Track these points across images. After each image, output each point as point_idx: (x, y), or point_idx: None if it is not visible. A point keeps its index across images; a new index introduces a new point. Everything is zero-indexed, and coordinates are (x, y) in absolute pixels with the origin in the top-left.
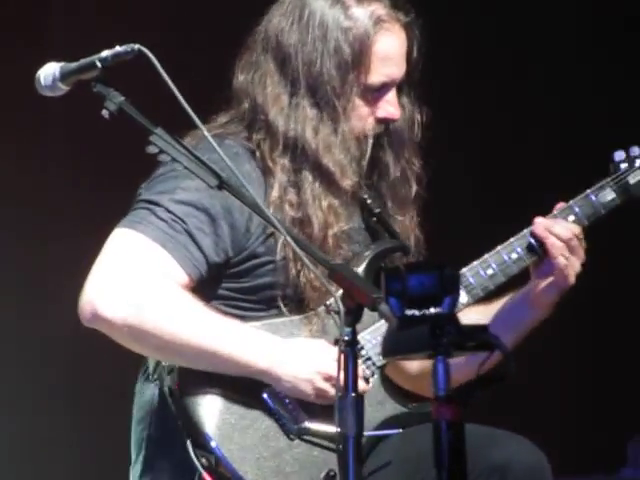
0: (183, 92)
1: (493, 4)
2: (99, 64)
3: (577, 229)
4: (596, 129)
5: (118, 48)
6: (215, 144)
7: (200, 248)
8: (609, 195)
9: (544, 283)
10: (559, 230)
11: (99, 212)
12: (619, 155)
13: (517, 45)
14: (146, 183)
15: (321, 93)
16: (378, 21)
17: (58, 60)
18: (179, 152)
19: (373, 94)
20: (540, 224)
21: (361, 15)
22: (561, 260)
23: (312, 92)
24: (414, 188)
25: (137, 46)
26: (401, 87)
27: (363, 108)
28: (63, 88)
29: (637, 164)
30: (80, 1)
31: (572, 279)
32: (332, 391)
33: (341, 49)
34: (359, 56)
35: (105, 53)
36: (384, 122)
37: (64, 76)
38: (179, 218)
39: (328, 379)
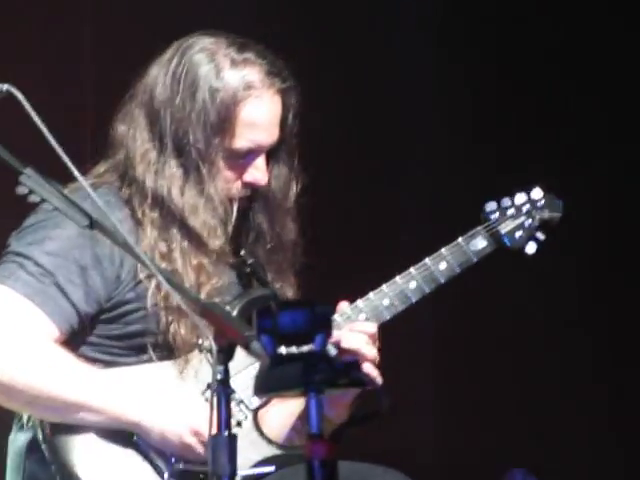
0: (58, 134)
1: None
2: None
3: (371, 329)
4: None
5: None
6: (87, 187)
7: (70, 301)
8: (481, 243)
9: None
10: (348, 341)
11: None
12: (490, 205)
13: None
14: (16, 232)
15: (187, 154)
16: (248, 86)
17: None
18: (50, 193)
19: (239, 159)
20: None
21: (232, 78)
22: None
23: (178, 152)
24: (288, 255)
25: (6, 86)
26: (274, 153)
27: (229, 172)
28: None
29: (508, 214)
30: None
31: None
32: (199, 447)
33: (207, 111)
34: (224, 120)
35: None
36: (250, 187)
37: None
38: (48, 271)
39: (196, 434)
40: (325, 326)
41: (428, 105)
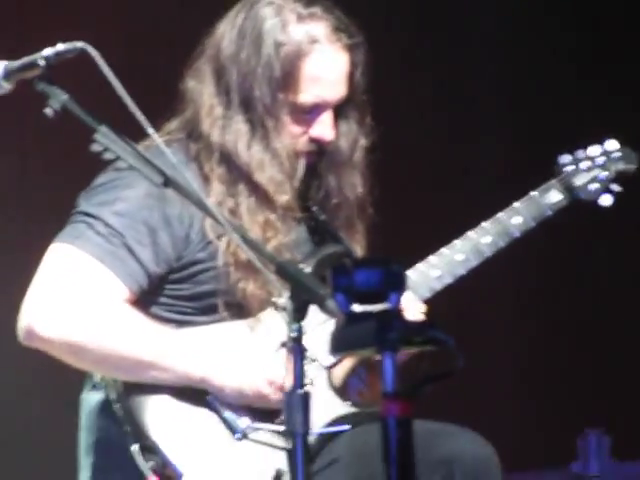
0: (135, 94)
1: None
2: (42, 62)
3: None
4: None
5: (61, 46)
6: (162, 145)
7: (140, 261)
8: (555, 196)
9: None
10: None
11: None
12: (564, 158)
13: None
14: (85, 192)
15: (252, 108)
16: (312, 40)
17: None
18: (124, 150)
19: (305, 114)
20: None
21: (297, 32)
22: None
23: (244, 107)
24: (356, 212)
25: (80, 44)
26: (344, 111)
27: (295, 127)
28: (6, 87)
29: (582, 166)
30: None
31: None
32: (277, 396)
33: (272, 65)
34: (288, 74)
35: (48, 51)
36: (317, 142)
37: (7, 75)
38: (117, 232)
39: (272, 384)
40: (400, 284)
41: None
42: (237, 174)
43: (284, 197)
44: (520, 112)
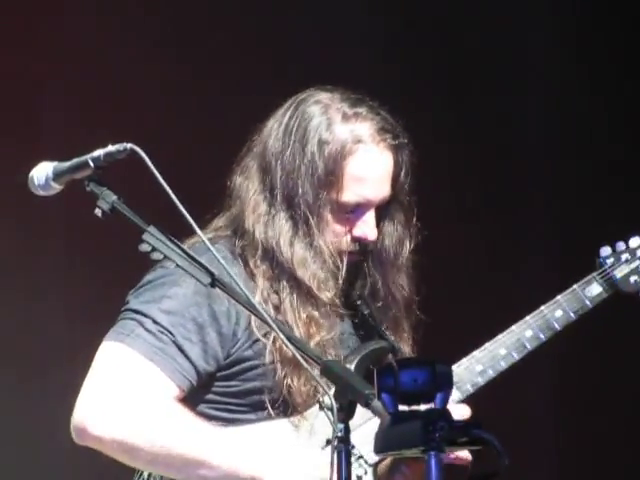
0: (179, 191)
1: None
2: (91, 163)
3: (466, 412)
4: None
5: (110, 147)
6: (208, 243)
7: (189, 358)
8: (596, 289)
9: None
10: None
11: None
12: (605, 250)
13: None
14: (134, 290)
15: (296, 206)
16: (357, 140)
17: (51, 157)
18: (172, 250)
19: (348, 213)
20: None
21: (342, 132)
22: None
23: (288, 204)
24: (403, 311)
25: (129, 145)
26: (388, 211)
27: (337, 226)
28: (56, 188)
29: (623, 259)
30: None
31: None
32: None
33: (315, 164)
34: (331, 173)
35: (97, 152)
36: (359, 241)
37: (57, 176)
38: (166, 329)
39: None
40: (446, 385)
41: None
42: (280, 271)
43: (327, 294)
44: (567, 203)
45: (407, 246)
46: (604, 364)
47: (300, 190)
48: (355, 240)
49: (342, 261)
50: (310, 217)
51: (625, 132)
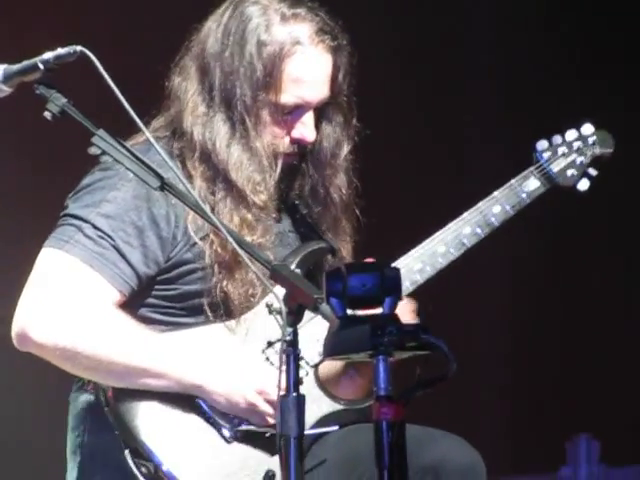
0: (125, 94)
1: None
2: (41, 66)
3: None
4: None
5: (60, 50)
6: (158, 147)
7: (129, 263)
8: (533, 184)
9: None
10: None
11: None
12: (541, 144)
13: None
14: (73, 193)
15: (234, 108)
16: (295, 42)
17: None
18: (121, 154)
19: (287, 115)
20: None
21: (280, 33)
22: None
23: (226, 105)
24: (341, 212)
25: (79, 48)
26: (327, 112)
27: (275, 127)
28: (6, 90)
29: (559, 152)
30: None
31: None
32: (264, 406)
33: (254, 65)
34: (270, 75)
35: (47, 55)
36: (298, 143)
37: (7, 78)
38: (106, 234)
39: (260, 393)
40: (395, 289)
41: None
42: (215, 172)
43: (261, 197)
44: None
45: (345, 147)
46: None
47: (238, 91)
48: (293, 142)
49: (277, 163)
50: (248, 119)
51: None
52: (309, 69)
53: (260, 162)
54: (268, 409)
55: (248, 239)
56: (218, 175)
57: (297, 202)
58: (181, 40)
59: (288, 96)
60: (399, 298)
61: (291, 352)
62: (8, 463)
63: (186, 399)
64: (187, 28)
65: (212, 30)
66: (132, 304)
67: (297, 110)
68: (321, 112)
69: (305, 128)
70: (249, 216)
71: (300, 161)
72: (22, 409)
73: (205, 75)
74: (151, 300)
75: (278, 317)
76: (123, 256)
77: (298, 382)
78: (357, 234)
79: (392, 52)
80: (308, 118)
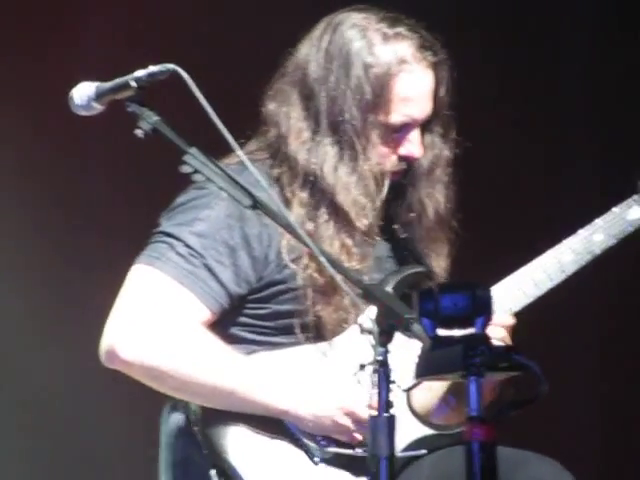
0: (218, 114)
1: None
2: (133, 84)
3: (509, 321)
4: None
5: (152, 68)
6: (249, 164)
7: (220, 281)
8: (636, 213)
9: None
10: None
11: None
12: None
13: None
14: (166, 212)
15: (342, 131)
16: (401, 61)
17: (90, 78)
18: (213, 172)
19: (394, 133)
20: None
21: (385, 54)
22: None
23: (333, 129)
24: (443, 228)
25: (172, 66)
26: (428, 126)
27: (383, 147)
28: (97, 107)
29: None
30: (115, 19)
31: None
32: (353, 428)
33: (362, 88)
34: (379, 96)
35: (139, 72)
36: (405, 160)
37: (99, 96)
38: (197, 252)
39: (349, 414)
40: (486, 309)
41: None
42: (320, 197)
43: (365, 221)
44: (610, 128)
45: (444, 159)
46: None
47: (347, 115)
48: (401, 159)
49: (384, 184)
50: (356, 141)
51: None
52: (416, 87)
53: (367, 185)
54: (356, 431)
55: (348, 264)
56: (322, 200)
57: (395, 225)
58: (271, 63)
59: (397, 115)
60: (490, 318)
61: (382, 372)
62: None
63: (275, 421)
64: (279, 51)
65: (312, 55)
66: (223, 323)
67: (404, 128)
68: (423, 127)
69: (412, 145)
70: (349, 241)
71: (400, 180)
72: (114, 426)
73: (309, 100)
74: (242, 319)
75: (370, 337)
76: (214, 275)
77: (389, 402)
78: (454, 250)
79: (489, 67)
80: (415, 135)
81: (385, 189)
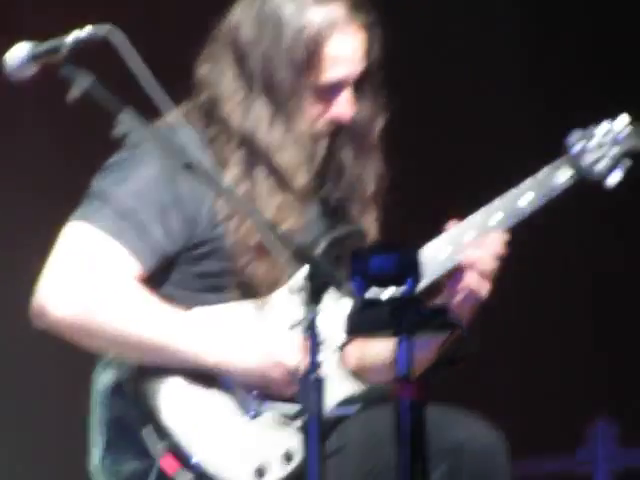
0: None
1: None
2: (67, 45)
3: (500, 239)
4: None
5: (88, 29)
6: (184, 125)
7: (152, 238)
8: (564, 174)
9: (456, 298)
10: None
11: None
12: (575, 135)
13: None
14: (99, 172)
15: (275, 92)
16: (333, 22)
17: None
18: (147, 132)
19: (326, 94)
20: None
21: (316, 15)
22: (473, 283)
23: (267, 90)
24: (372, 188)
25: (107, 27)
26: (360, 87)
27: (316, 107)
28: (32, 69)
29: (592, 143)
30: None
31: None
32: (284, 380)
33: (294, 49)
34: (311, 57)
35: (74, 34)
36: (337, 121)
37: (32, 58)
38: (130, 210)
39: (278, 365)
40: (414, 270)
41: None
42: (255, 157)
43: (301, 180)
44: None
45: (378, 122)
46: None
47: (280, 76)
48: (332, 120)
49: (320, 143)
50: (290, 101)
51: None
52: (347, 47)
53: (303, 145)
54: (286, 383)
55: (284, 224)
56: (258, 160)
57: (326, 186)
58: (202, 28)
59: (328, 75)
60: (419, 279)
61: (312, 332)
62: (33, 439)
63: (209, 376)
64: (210, 16)
65: (244, 18)
66: (155, 281)
67: (335, 89)
68: (355, 90)
69: (343, 105)
70: (288, 200)
71: (331, 141)
72: (47, 387)
73: (242, 62)
74: (173, 277)
75: (301, 295)
76: (147, 231)
77: (318, 363)
78: (386, 212)
79: (414, 34)
80: (346, 95)
81: (321, 149)
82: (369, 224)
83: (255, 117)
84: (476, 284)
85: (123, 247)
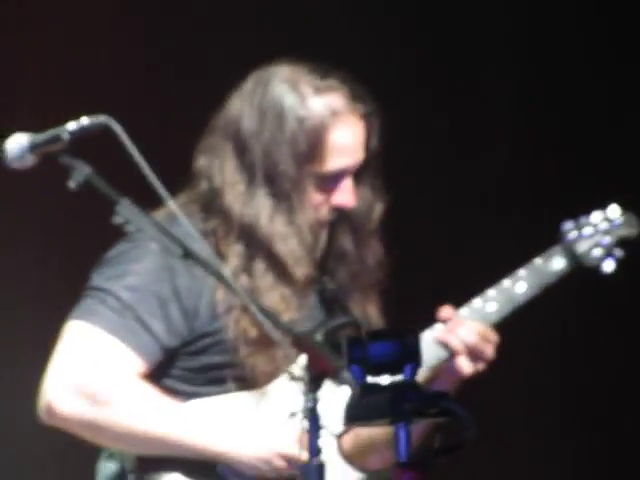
0: (151, 166)
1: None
2: (66, 136)
3: (482, 328)
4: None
5: (85, 120)
6: (182, 216)
7: (152, 333)
8: (558, 263)
9: (446, 377)
10: (463, 333)
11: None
12: (568, 224)
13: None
14: (96, 267)
15: (277, 182)
16: (334, 112)
17: (26, 129)
18: (144, 223)
19: (328, 183)
20: (444, 329)
21: (317, 105)
22: (464, 363)
23: (268, 181)
24: (373, 276)
25: (104, 118)
26: (359, 175)
27: (318, 196)
28: (31, 159)
29: (585, 232)
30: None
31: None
32: (289, 469)
33: (296, 140)
34: (313, 147)
35: (72, 125)
36: (339, 209)
37: (32, 148)
38: (129, 306)
39: (284, 457)
40: (414, 356)
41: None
42: (256, 249)
43: (302, 271)
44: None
45: (377, 209)
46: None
47: (282, 166)
48: (334, 209)
49: (321, 232)
50: (292, 192)
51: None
52: (349, 137)
53: (304, 235)
54: (291, 470)
55: (284, 315)
56: (258, 252)
57: (324, 277)
58: (200, 118)
59: (331, 165)
60: (419, 365)
61: (313, 418)
62: None
63: (209, 467)
64: (209, 106)
65: (244, 110)
66: (156, 375)
67: (337, 178)
68: (355, 179)
69: (345, 194)
70: (287, 292)
71: (331, 229)
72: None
73: (243, 154)
74: (174, 371)
75: (300, 384)
76: (147, 327)
77: (319, 449)
78: (385, 297)
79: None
80: (347, 184)
81: (322, 239)
82: (370, 311)
83: (256, 208)
84: (467, 369)
85: (123, 344)
